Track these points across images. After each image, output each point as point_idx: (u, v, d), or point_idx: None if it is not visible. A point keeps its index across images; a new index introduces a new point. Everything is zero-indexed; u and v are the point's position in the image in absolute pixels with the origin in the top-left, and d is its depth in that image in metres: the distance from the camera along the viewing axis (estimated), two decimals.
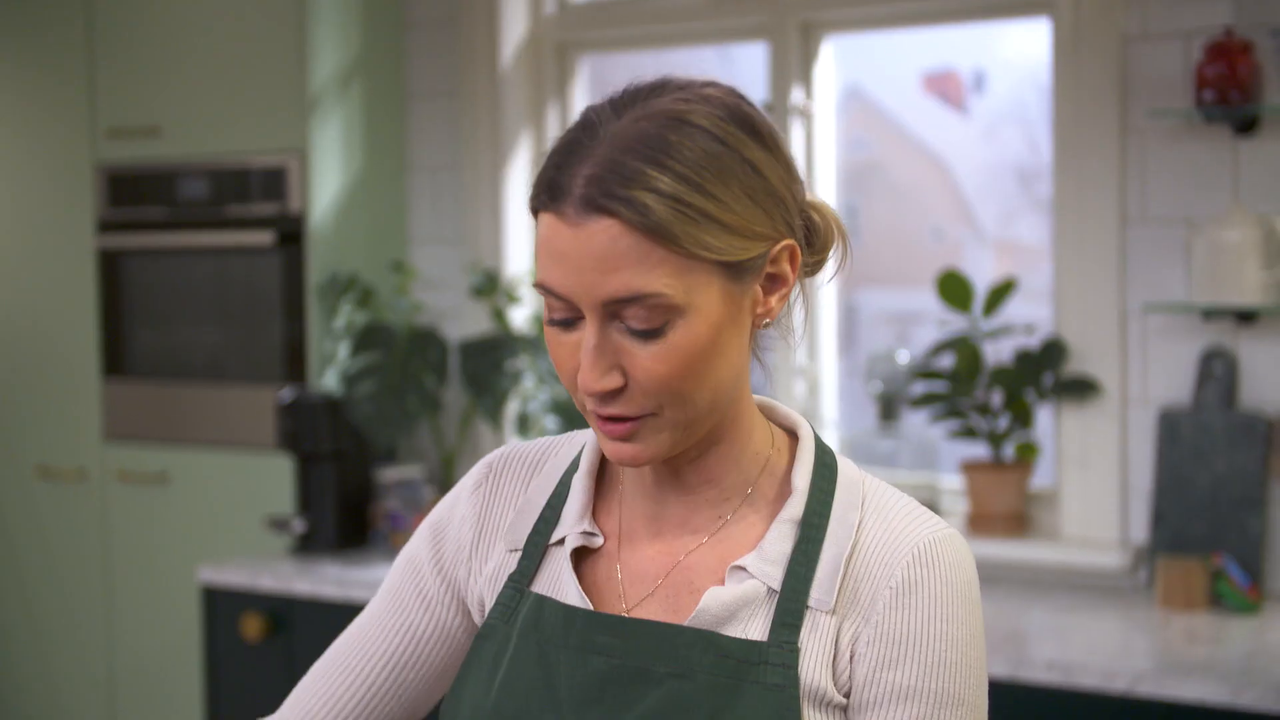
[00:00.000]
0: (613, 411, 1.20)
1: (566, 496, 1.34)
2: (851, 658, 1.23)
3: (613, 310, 1.17)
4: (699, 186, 1.16)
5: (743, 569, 1.25)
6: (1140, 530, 3.18)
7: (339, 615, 3.33)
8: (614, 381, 1.18)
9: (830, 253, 1.31)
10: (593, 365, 1.18)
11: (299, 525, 3.63)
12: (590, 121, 1.20)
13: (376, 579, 3.35)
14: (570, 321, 1.20)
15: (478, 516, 1.38)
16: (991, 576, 3.24)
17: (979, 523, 3.28)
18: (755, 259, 1.20)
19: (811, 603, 1.23)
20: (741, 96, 1.23)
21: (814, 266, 1.30)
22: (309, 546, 3.64)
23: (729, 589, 1.24)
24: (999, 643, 2.78)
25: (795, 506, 1.26)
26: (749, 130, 1.20)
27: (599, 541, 1.31)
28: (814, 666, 1.22)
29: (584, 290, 1.17)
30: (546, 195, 1.19)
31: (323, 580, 3.38)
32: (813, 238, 1.29)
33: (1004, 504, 3.26)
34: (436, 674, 1.40)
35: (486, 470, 1.40)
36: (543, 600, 1.28)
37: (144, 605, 4.00)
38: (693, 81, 1.23)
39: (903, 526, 1.25)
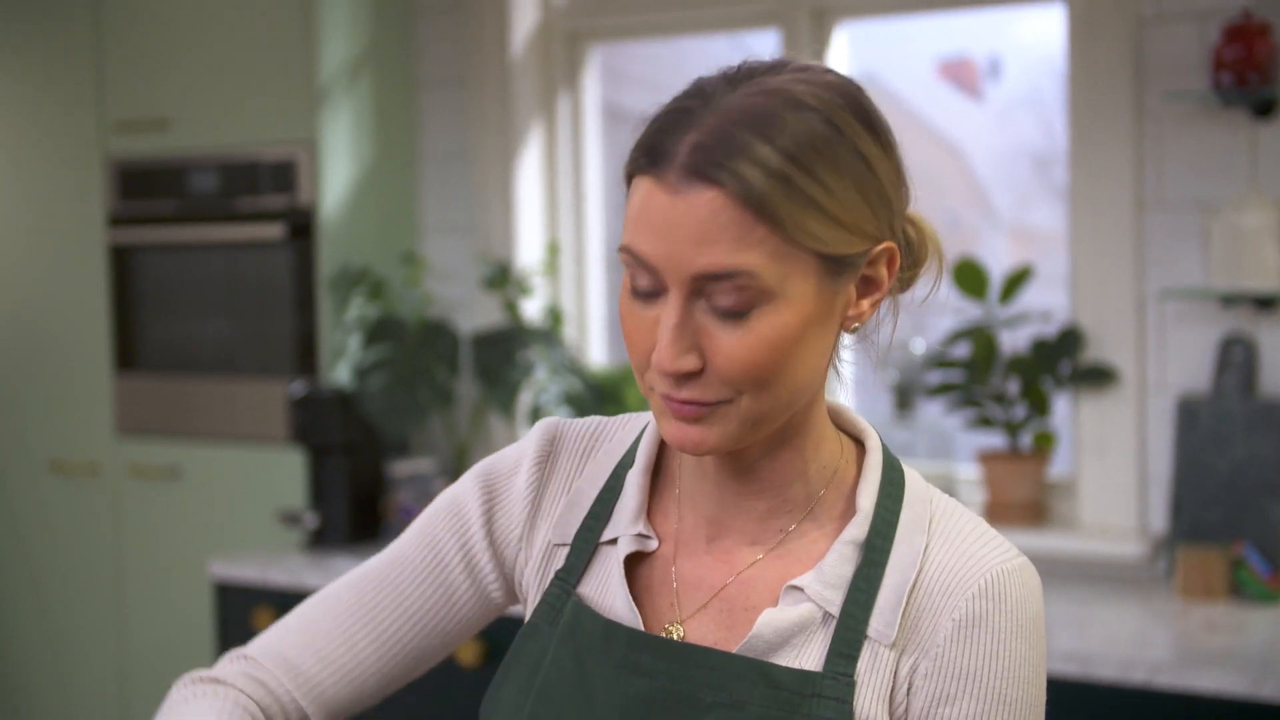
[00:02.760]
0: (686, 396, 1.13)
1: (619, 491, 1.28)
2: (909, 689, 1.17)
3: (700, 287, 1.11)
4: (809, 169, 1.10)
5: (799, 589, 1.19)
6: (1159, 519, 3.15)
7: None
8: (691, 364, 1.12)
9: (923, 270, 1.24)
10: (672, 343, 1.11)
11: (311, 519, 3.61)
12: (702, 90, 1.14)
13: None
14: (653, 294, 1.13)
15: (534, 496, 1.32)
16: None
17: (996, 512, 3.25)
18: (855, 256, 1.14)
19: (871, 633, 1.17)
20: (860, 88, 1.17)
21: (905, 281, 1.24)
22: (321, 540, 3.62)
23: (784, 612, 1.18)
24: None
25: (859, 528, 1.20)
26: (866, 123, 1.14)
27: (653, 545, 1.25)
28: (870, 700, 1.17)
29: (675, 262, 1.10)
30: (647, 159, 1.12)
31: (335, 574, 3.36)
32: (907, 251, 1.23)
33: (1021, 493, 3.23)
34: (459, 635, 1.35)
35: (549, 444, 1.34)
36: (580, 609, 1.24)
37: (155, 600, 3.99)
38: (812, 66, 1.17)
39: (970, 555, 1.19)
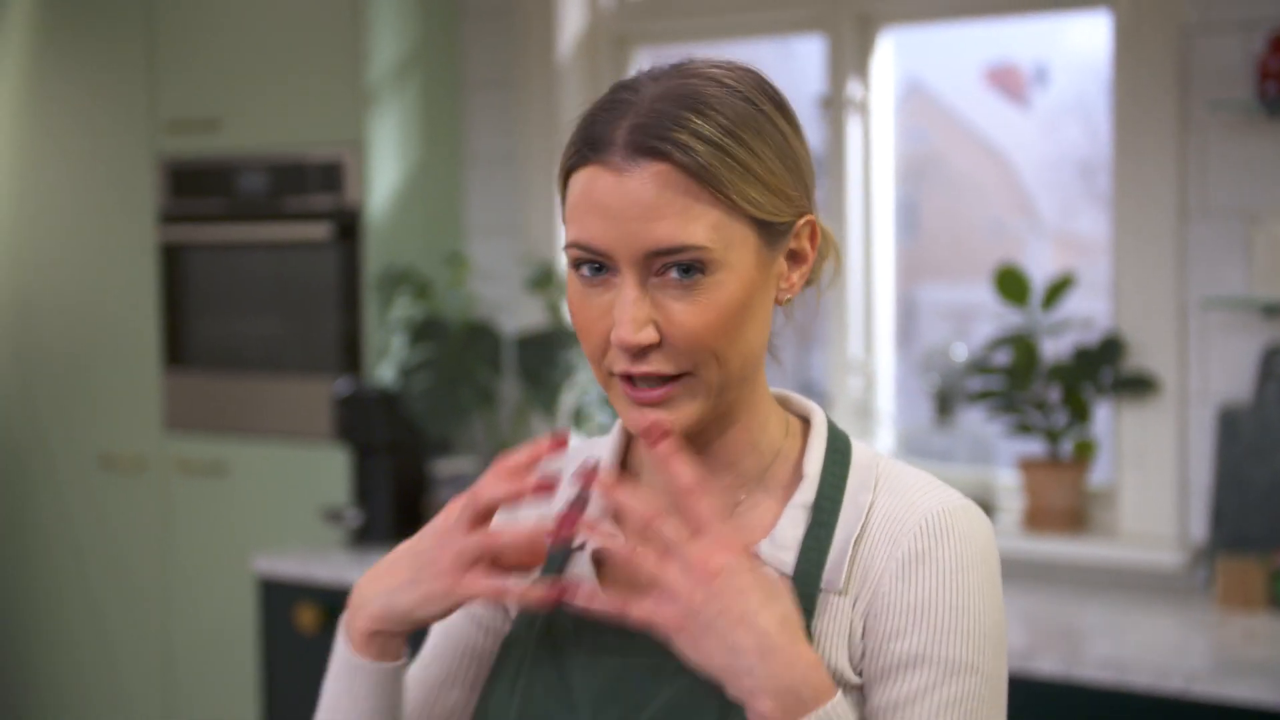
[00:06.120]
0: (647, 369, 1.19)
1: (588, 501, 1.34)
2: (863, 633, 1.21)
3: (651, 263, 1.17)
4: (741, 139, 1.18)
5: (756, 556, 1.23)
6: (1199, 528, 3.14)
7: None
8: (650, 336, 1.17)
9: (824, 263, 1.32)
10: (631, 318, 1.17)
11: (353, 517, 3.64)
12: (628, 84, 1.22)
13: None
14: (604, 282, 1.19)
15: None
16: (1047, 574, 3.22)
17: (1036, 519, 3.25)
18: (785, 224, 1.22)
19: (824, 585, 1.22)
20: (766, 76, 1.25)
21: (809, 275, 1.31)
22: (363, 538, 3.65)
23: None
24: (1053, 639, 2.75)
25: (807, 492, 1.26)
26: (777, 105, 1.23)
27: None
28: (831, 649, 1.21)
29: (627, 241, 1.16)
30: (588, 149, 1.19)
31: None
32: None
33: (1061, 501, 3.23)
34: None
35: None
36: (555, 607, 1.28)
37: (200, 593, 4.04)
38: (714, 58, 1.26)
39: (912, 499, 1.24)
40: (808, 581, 1.22)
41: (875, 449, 1.31)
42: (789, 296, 1.25)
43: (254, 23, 3.88)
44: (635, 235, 1.16)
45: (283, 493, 3.88)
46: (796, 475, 1.28)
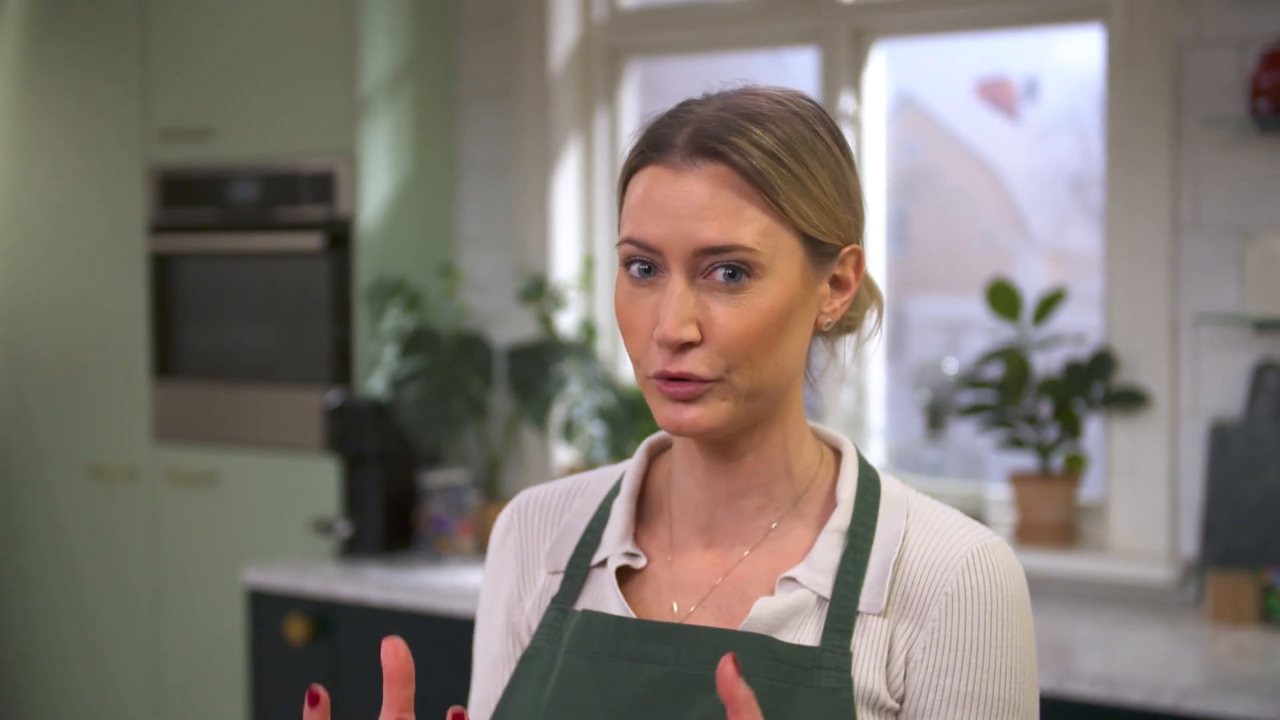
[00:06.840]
0: (683, 369, 1.21)
1: (607, 520, 1.35)
2: (906, 663, 1.24)
3: (699, 263, 1.20)
4: (795, 154, 1.22)
5: (793, 579, 1.26)
6: (1190, 543, 3.14)
7: (383, 619, 3.34)
8: (692, 333, 1.20)
9: (866, 312, 1.35)
10: (676, 313, 1.20)
11: (344, 528, 3.64)
12: (693, 99, 1.27)
13: (421, 583, 3.35)
14: (651, 282, 1.22)
15: (516, 556, 1.39)
16: (1038, 588, 3.22)
17: (1026, 534, 3.25)
18: (832, 246, 1.25)
19: (862, 607, 1.24)
20: (828, 113, 1.31)
21: (851, 321, 1.35)
22: (353, 549, 3.65)
23: (780, 598, 1.25)
24: (1044, 655, 2.75)
25: (842, 517, 1.28)
26: (834, 136, 1.27)
27: (641, 562, 1.32)
28: (867, 670, 1.23)
29: (677, 238, 1.20)
30: (651, 150, 1.23)
31: (367, 584, 3.38)
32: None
33: (1052, 515, 3.24)
34: None
35: (512, 515, 1.42)
36: (590, 615, 1.29)
37: (190, 605, 4.02)
38: (781, 87, 1.30)
39: (950, 534, 1.27)
40: (845, 604, 1.25)
41: (900, 482, 1.34)
42: (829, 321, 1.28)
43: (247, 32, 3.88)
44: (686, 233, 1.20)
45: (273, 503, 3.87)
46: (829, 503, 1.31)
